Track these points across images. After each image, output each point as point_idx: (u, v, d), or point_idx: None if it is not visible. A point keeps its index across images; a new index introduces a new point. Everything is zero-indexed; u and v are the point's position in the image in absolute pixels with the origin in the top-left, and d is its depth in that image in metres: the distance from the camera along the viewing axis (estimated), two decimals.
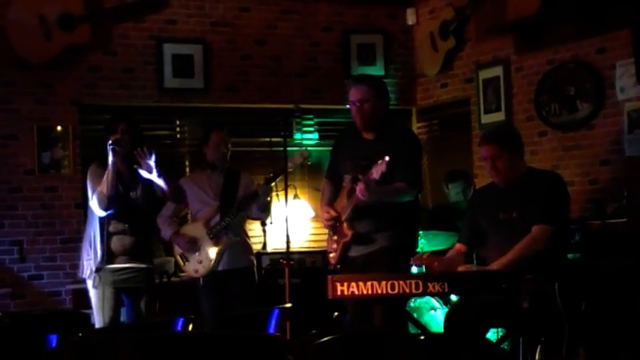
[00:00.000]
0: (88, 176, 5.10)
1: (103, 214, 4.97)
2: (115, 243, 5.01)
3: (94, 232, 5.02)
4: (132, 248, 5.02)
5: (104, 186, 4.92)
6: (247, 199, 5.57)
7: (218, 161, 5.69)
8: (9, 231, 6.34)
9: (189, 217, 5.92)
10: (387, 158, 4.42)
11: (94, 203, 4.98)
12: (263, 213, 5.73)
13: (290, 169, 5.47)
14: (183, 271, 5.87)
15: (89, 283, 5.02)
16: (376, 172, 4.47)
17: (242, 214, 5.68)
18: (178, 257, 5.80)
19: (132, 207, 5.06)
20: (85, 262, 5.05)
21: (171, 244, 5.74)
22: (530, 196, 4.38)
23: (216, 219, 5.62)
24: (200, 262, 5.65)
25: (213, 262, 5.61)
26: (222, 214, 5.61)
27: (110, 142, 4.91)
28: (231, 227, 5.62)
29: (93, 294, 5.00)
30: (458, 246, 4.67)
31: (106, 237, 4.97)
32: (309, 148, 6.79)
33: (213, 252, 5.62)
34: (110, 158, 4.90)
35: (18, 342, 3.31)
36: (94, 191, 4.99)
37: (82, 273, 5.09)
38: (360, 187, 4.54)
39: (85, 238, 5.12)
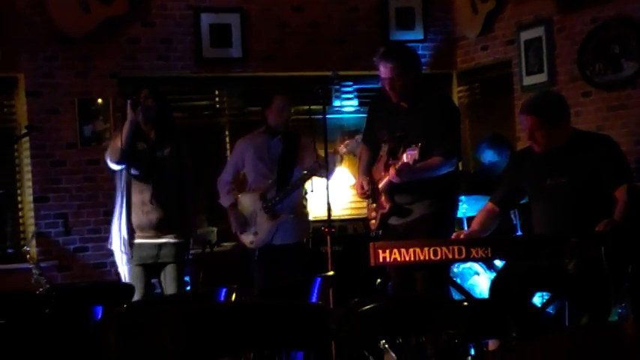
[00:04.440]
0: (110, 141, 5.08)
1: (115, 167, 4.88)
2: (141, 218, 4.89)
3: (119, 205, 4.96)
4: (159, 222, 4.90)
5: (119, 139, 4.83)
6: (311, 173, 5.54)
7: (279, 127, 5.70)
8: (54, 204, 6.41)
9: (247, 181, 5.86)
10: (419, 145, 4.38)
11: (107, 156, 4.91)
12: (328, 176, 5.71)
13: (343, 152, 5.46)
14: (239, 240, 5.90)
15: (117, 259, 4.99)
16: (409, 157, 4.42)
17: (299, 190, 5.67)
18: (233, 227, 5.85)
19: (158, 166, 4.93)
20: (113, 233, 5.02)
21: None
22: (584, 161, 4.29)
23: (272, 192, 5.64)
24: (255, 235, 5.71)
25: (267, 236, 5.65)
26: (278, 188, 5.63)
27: (130, 98, 4.87)
28: (287, 201, 5.63)
29: (123, 271, 4.99)
30: (490, 206, 4.60)
31: (131, 209, 4.89)
32: (347, 117, 6.80)
33: (268, 226, 5.65)
34: (129, 114, 4.84)
35: (64, 313, 3.34)
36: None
37: (110, 244, 5.08)
38: (392, 173, 4.53)
39: (114, 211, 5.09)
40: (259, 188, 5.69)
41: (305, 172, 5.59)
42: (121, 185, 4.98)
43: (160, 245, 4.91)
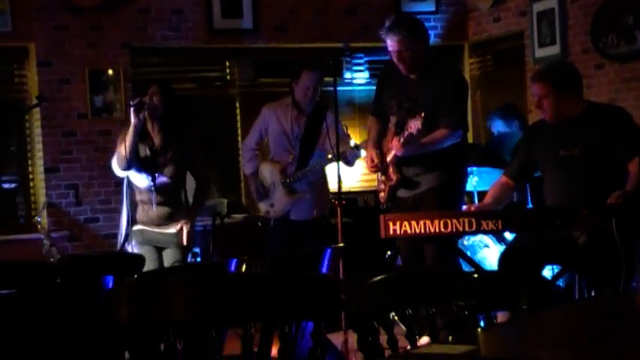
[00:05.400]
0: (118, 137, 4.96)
1: (122, 174, 4.84)
2: (141, 214, 4.87)
3: (123, 201, 4.95)
4: (159, 219, 4.87)
5: (123, 147, 4.73)
6: (332, 161, 5.52)
7: (305, 104, 5.62)
8: (64, 175, 6.43)
9: (270, 150, 5.86)
10: (422, 114, 4.39)
11: (113, 163, 4.85)
12: (347, 165, 5.66)
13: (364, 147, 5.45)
14: (256, 208, 5.93)
15: (128, 247, 5.00)
16: (414, 127, 4.44)
17: (319, 168, 5.65)
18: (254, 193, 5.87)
19: (159, 171, 4.83)
20: (121, 227, 5.05)
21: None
22: (597, 133, 4.27)
23: (292, 169, 5.62)
24: (272, 206, 5.71)
25: (283, 210, 5.67)
26: (299, 164, 5.61)
27: (132, 102, 4.73)
28: (306, 178, 5.61)
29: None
30: (504, 179, 4.58)
31: (132, 206, 4.88)
32: (358, 89, 6.79)
33: (284, 201, 5.65)
34: (132, 119, 4.71)
35: (75, 283, 3.36)
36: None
37: (121, 242, 5.08)
38: (395, 145, 4.53)
39: (121, 206, 5.10)
40: (280, 161, 5.68)
41: (329, 156, 5.50)
42: (124, 183, 4.96)
43: (161, 233, 4.90)
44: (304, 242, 5.67)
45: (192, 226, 4.93)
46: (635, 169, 4.16)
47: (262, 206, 5.78)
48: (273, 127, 5.71)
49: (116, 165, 4.84)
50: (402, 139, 4.55)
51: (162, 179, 4.85)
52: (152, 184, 4.82)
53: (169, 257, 4.91)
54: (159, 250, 4.95)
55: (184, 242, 4.86)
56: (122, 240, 4.95)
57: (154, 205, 4.85)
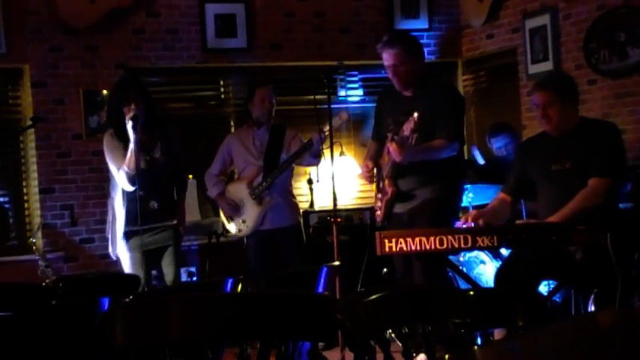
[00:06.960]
0: (105, 147, 5.07)
1: (131, 189, 4.92)
2: (139, 208, 4.92)
3: (118, 201, 5.03)
4: (153, 213, 4.96)
5: (129, 163, 4.84)
6: (300, 153, 5.61)
7: (263, 117, 5.77)
8: (60, 195, 6.42)
9: (235, 175, 6.00)
10: (415, 114, 4.40)
11: (121, 180, 4.92)
12: (316, 159, 5.77)
13: (335, 128, 5.47)
14: (228, 231, 5.96)
15: (120, 249, 5.02)
16: (407, 128, 4.45)
17: (286, 174, 5.73)
18: (223, 216, 5.90)
19: (149, 169, 4.97)
20: (112, 239, 5.08)
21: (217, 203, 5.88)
22: (586, 147, 4.29)
23: (259, 179, 5.69)
24: (244, 222, 5.76)
25: (255, 222, 5.70)
26: (265, 175, 5.67)
27: (129, 119, 4.80)
28: (274, 187, 5.67)
29: (123, 259, 5.02)
30: (502, 195, 4.60)
31: (129, 202, 4.96)
32: (352, 106, 6.78)
33: (255, 212, 5.70)
34: (132, 136, 4.80)
35: (71, 305, 3.35)
36: (117, 166, 4.94)
37: (114, 246, 5.10)
38: (393, 149, 4.54)
39: (109, 210, 5.14)
40: (246, 177, 5.76)
41: (292, 151, 5.65)
42: (115, 187, 5.01)
43: (157, 229, 4.96)
44: (281, 252, 5.72)
45: (183, 212, 5.19)
46: (586, 191, 4.17)
47: (233, 225, 5.83)
48: (237, 149, 5.86)
49: (126, 183, 4.92)
50: (398, 142, 4.54)
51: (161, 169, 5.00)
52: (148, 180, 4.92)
53: (169, 258, 5.04)
54: (150, 256, 4.96)
55: (184, 225, 5.13)
56: (115, 244, 5.00)
57: (146, 200, 4.93)
